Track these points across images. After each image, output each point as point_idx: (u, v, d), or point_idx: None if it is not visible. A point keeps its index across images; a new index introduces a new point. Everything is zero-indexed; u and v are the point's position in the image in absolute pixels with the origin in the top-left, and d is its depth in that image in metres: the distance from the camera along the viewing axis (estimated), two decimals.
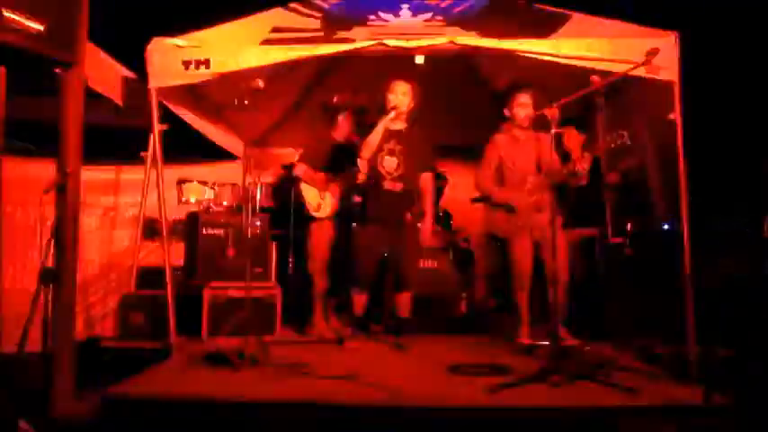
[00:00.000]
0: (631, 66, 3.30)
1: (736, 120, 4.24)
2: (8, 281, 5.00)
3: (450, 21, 3.48)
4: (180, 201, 4.45)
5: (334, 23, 3.49)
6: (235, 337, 3.38)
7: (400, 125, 3.88)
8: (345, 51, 3.48)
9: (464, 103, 5.27)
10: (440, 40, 3.47)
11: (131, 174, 5.45)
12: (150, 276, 4.51)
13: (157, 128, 3.62)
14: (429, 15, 3.50)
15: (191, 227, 4.25)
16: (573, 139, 4.47)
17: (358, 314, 3.97)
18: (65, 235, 2.62)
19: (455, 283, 4.63)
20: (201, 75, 3.54)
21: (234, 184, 4.62)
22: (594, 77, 3.11)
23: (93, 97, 3.38)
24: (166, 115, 3.95)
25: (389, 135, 3.84)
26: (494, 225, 4.07)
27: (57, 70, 2.52)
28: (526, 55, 3.45)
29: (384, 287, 4.27)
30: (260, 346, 3.11)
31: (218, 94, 4.62)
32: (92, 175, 5.34)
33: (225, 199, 4.53)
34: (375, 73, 4.01)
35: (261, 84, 3.21)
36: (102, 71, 3.79)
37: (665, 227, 4.09)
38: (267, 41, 3.49)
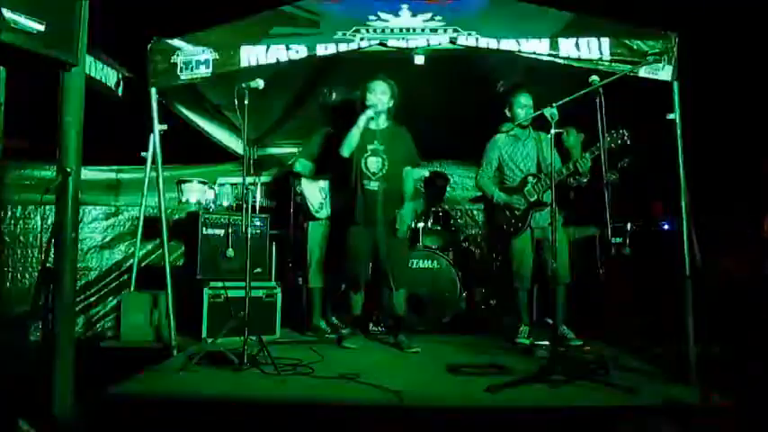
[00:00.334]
0: (631, 66, 3.31)
1: (736, 119, 4.24)
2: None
3: (450, 21, 3.48)
4: (180, 201, 4.45)
5: (334, 23, 3.49)
6: (235, 337, 3.38)
7: (381, 124, 3.87)
8: (345, 51, 3.48)
9: (464, 104, 5.26)
10: (440, 40, 3.47)
11: (131, 174, 5.47)
12: (150, 276, 4.51)
13: (157, 128, 3.62)
14: (429, 15, 3.49)
15: (191, 227, 4.25)
16: (572, 138, 4.50)
17: (356, 314, 3.98)
18: (65, 235, 2.62)
19: (455, 283, 4.63)
20: (201, 75, 3.54)
21: (234, 184, 4.62)
22: (594, 77, 3.11)
23: (93, 97, 3.38)
24: (166, 115, 3.95)
25: (372, 135, 3.83)
26: (494, 225, 4.08)
27: (57, 70, 2.52)
28: (526, 55, 3.45)
29: (379, 286, 4.28)
30: (260, 346, 3.11)
31: (218, 94, 4.62)
32: (92, 175, 5.36)
33: (225, 199, 4.53)
34: (375, 73, 4.01)
35: (261, 84, 3.21)
36: (101, 71, 3.79)
37: (665, 226, 4.09)
38: (267, 41, 3.49)
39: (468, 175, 6.59)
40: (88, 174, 5.23)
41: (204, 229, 4.07)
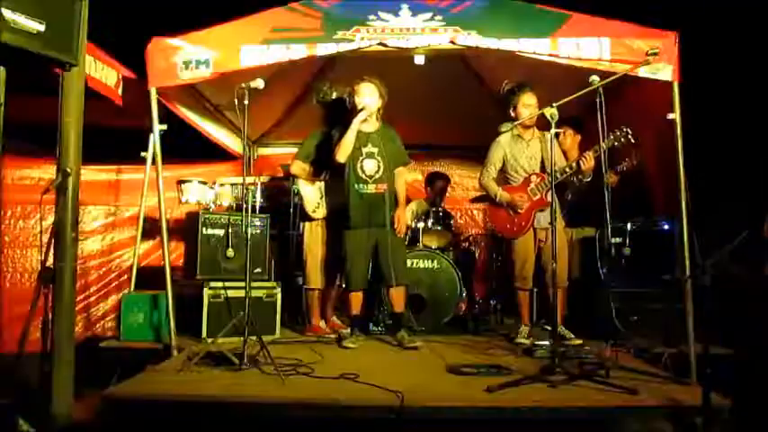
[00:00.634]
0: (631, 66, 3.31)
1: (736, 119, 4.24)
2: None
3: (450, 21, 3.48)
4: (180, 201, 4.45)
5: (334, 23, 3.49)
6: (235, 337, 3.38)
7: (373, 126, 3.87)
8: (345, 51, 3.48)
9: (464, 104, 5.27)
10: (440, 40, 3.47)
11: (131, 174, 5.46)
12: (150, 276, 4.51)
13: (157, 128, 3.62)
14: (429, 15, 3.49)
15: (191, 227, 4.25)
16: (569, 138, 4.50)
17: (356, 314, 3.98)
18: (64, 235, 2.62)
19: (455, 283, 4.63)
20: (201, 75, 3.55)
21: (233, 184, 4.62)
22: (594, 77, 3.11)
23: (93, 97, 3.38)
24: (166, 115, 3.95)
25: (366, 138, 3.84)
26: (497, 224, 4.07)
27: (57, 70, 2.52)
28: (526, 55, 3.45)
29: (378, 286, 4.29)
30: (260, 346, 3.11)
31: (218, 94, 4.63)
32: (92, 175, 5.36)
33: (225, 199, 4.53)
34: (375, 73, 4.01)
35: (261, 84, 3.21)
36: (101, 71, 3.79)
37: (665, 226, 4.09)
38: (267, 41, 3.49)
39: (468, 175, 6.60)
40: (88, 174, 5.23)
41: (204, 229, 4.07)
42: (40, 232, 4.87)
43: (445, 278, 4.64)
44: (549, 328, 4.16)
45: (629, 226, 4.15)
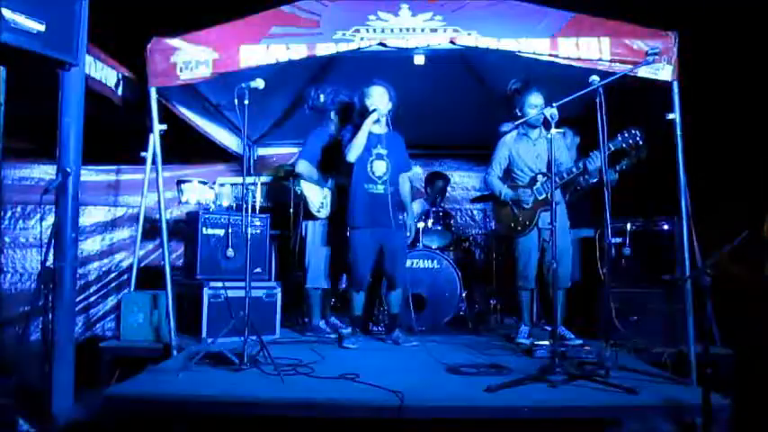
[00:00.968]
0: (631, 66, 3.31)
1: (736, 119, 4.23)
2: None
3: (450, 20, 3.48)
4: (180, 201, 4.45)
5: (334, 23, 3.49)
6: (235, 337, 3.38)
7: (382, 129, 3.90)
8: (345, 51, 3.48)
9: (464, 104, 5.27)
10: (440, 40, 3.47)
11: (131, 174, 5.47)
12: (150, 276, 4.51)
13: (157, 128, 3.62)
14: (429, 15, 3.50)
15: (191, 227, 4.25)
16: (569, 140, 4.50)
17: (357, 314, 3.98)
18: (64, 235, 2.62)
19: (455, 283, 4.63)
20: (201, 75, 3.54)
21: (234, 184, 4.62)
22: (594, 77, 3.10)
23: (93, 97, 3.38)
24: (166, 115, 3.95)
25: (376, 140, 3.86)
26: (501, 223, 4.07)
27: (57, 70, 2.52)
28: (526, 55, 3.45)
29: (379, 286, 4.29)
30: (260, 346, 3.11)
31: (218, 94, 4.62)
32: (92, 175, 5.36)
33: (225, 199, 4.53)
34: (375, 73, 4.01)
35: (261, 84, 3.21)
36: (101, 71, 3.79)
37: (665, 226, 4.09)
38: (267, 41, 3.49)
39: (468, 175, 6.60)
40: (88, 174, 5.23)
41: (204, 229, 4.07)
42: (40, 232, 4.89)
43: (445, 278, 4.64)
44: (549, 328, 4.16)
45: (628, 226, 4.15)
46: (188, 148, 5.34)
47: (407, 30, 3.49)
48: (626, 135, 3.57)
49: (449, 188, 5.83)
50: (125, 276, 5.27)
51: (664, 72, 3.33)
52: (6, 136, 2.36)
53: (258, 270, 4.22)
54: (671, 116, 3.31)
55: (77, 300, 4.67)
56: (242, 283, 3.26)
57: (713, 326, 3.77)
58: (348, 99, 4.33)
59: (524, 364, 3.22)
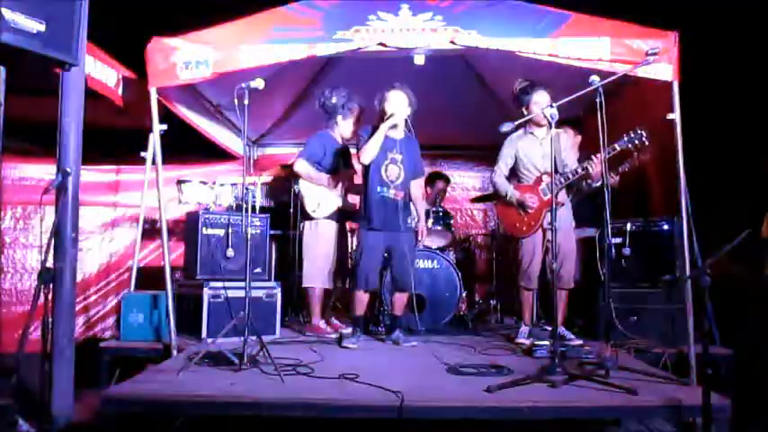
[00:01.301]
0: (631, 66, 3.31)
1: (736, 119, 4.23)
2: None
3: (450, 21, 3.48)
4: (180, 201, 4.45)
5: (334, 23, 3.49)
6: (235, 337, 3.38)
7: (399, 134, 3.91)
8: (345, 51, 3.48)
9: (464, 104, 5.27)
10: (440, 40, 3.47)
11: (131, 174, 5.47)
12: (150, 276, 4.51)
13: (157, 128, 3.62)
14: (429, 15, 3.49)
15: (191, 227, 4.25)
16: (569, 141, 4.49)
17: (360, 314, 3.99)
18: (64, 235, 2.62)
19: (455, 283, 4.63)
20: (201, 75, 3.55)
21: (234, 184, 4.62)
22: (594, 77, 3.10)
23: (93, 97, 3.38)
24: (166, 115, 3.95)
25: (392, 144, 3.88)
26: (505, 222, 4.07)
27: (57, 70, 2.52)
28: (526, 55, 3.45)
29: (382, 288, 4.30)
30: (260, 346, 3.11)
31: (218, 94, 4.63)
32: (92, 175, 5.36)
33: (225, 199, 4.53)
34: (375, 73, 4.01)
35: (261, 84, 3.21)
36: (101, 71, 3.79)
37: (665, 226, 4.09)
38: (267, 41, 3.49)
39: (468, 175, 6.60)
40: (88, 174, 5.23)
41: (204, 229, 4.07)
42: (41, 232, 4.89)
43: (445, 278, 4.64)
44: (549, 328, 4.16)
45: (628, 226, 4.15)
46: (188, 148, 5.34)
47: (407, 30, 3.49)
48: (632, 135, 3.56)
49: (449, 188, 5.83)
50: (125, 276, 5.26)
51: (664, 72, 3.33)
52: (6, 136, 2.36)
53: (258, 270, 4.22)
54: (671, 116, 3.31)
55: (77, 300, 4.67)
56: (242, 283, 3.26)
57: (713, 326, 3.77)
58: (359, 105, 4.35)
59: (524, 364, 3.22)
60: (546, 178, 3.87)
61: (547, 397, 2.61)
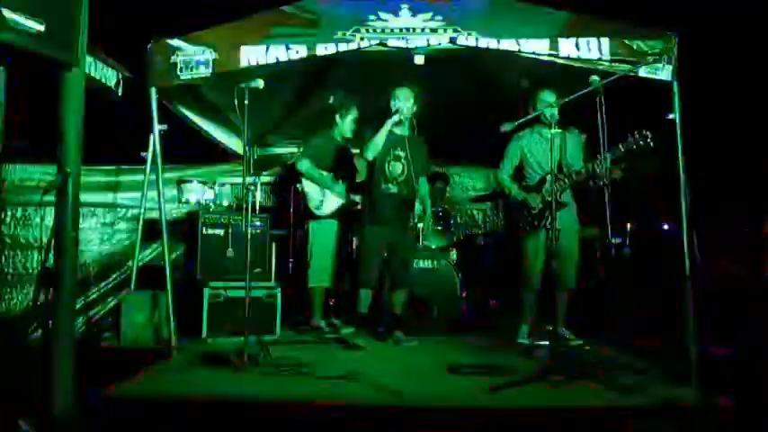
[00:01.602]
0: (631, 66, 3.31)
1: (736, 120, 4.24)
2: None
3: (450, 21, 3.48)
4: (180, 201, 4.45)
5: (334, 23, 3.49)
6: (235, 337, 3.38)
7: (404, 131, 3.91)
8: (345, 51, 3.48)
9: (464, 104, 5.26)
10: (440, 40, 3.47)
11: (131, 174, 5.47)
12: (150, 276, 4.51)
13: (157, 128, 3.62)
14: (429, 15, 3.49)
15: (191, 227, 4.25)
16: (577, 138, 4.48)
17: (362, 313, 3.99)
18: (65, 235, 2.62)
19: (455, 283, 4.63)
20: (201, 75, 3.54)
21: (234, 184, 4.63)
22: (594, 77, 3.10)
23: (93, 97, 3.38)
24: (166, 115, 3.95)
25: (396, 141, 3.88)
26: (509, 221, 4.07)
27: (57, 70, 2.51)
28: (526, 55, 3.45)
29: (382, 286, 4.30)
30: (260, 346, 3.11)
31: (218, 95, 4.62)
32: (92, 175, 5.36)
33: (225, 199, 4.53)
34: (375, 73, 4.01)
35: (261, 84, 3.21)
36: (101, 71, 3.79)
37: (665, 227, 4.09)
38: (267, 41, 3.49)
39: (468, 175, 6.60)
40: (88, 174, 5.24)
41: (204, 229, 4.07)
42: (41, 233, 4.89)
43: (445, 278, 4.64)
44: (550, 327, 4.16)
45: (628, 226, 4.15)
46: (188, 148, 5.34)
47: (407, 30, 3.49)
48: (637, 137, 3.54)
49: (449, 188, 5.83)
50: (125, 276, 5.26)
51: (664, 72, 3.33)
52: (6, 136, 2.36)
53: (258, 270, 4.22)
54: (671, 116, 3.31)
55: (77, 300, 4.67)
56: (242, 283, 3.26)
57: (712, 326, 3.77)
58: (358, 105, 4.36)
59: (524, 364, 3.22)
60: (550, 178, 3.86)
61: (547, 397, 2.61)
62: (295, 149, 5.90)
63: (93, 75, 3.65)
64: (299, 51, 3.47)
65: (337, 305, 4.80)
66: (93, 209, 5.44)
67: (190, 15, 3.87)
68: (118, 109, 4.07)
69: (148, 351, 3.72)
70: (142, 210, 4.50)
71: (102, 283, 5.35)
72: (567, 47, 3.41)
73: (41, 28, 2.23)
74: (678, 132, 3.30)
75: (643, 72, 3.34)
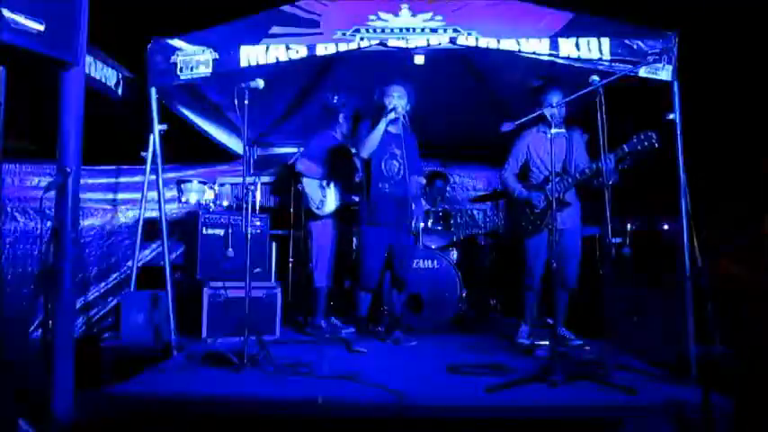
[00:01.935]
0: (631, 66, 3.31)
1: (736, 120, 4.24)
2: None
3: (451, 20, 3.48)
4: (180, 201, 4.45)
5: (334, 23, 3.49)
6: (235, 337, 3.38)
7: (399, 129, 3.90)
8: (345, 51, 3.48)
9: (464, 104, 5.26)
10: (440, 40, 3.47)
11: (131, 174, 5.47)
12: (150, 276, 4.51)
13: (157, 128, 3.62)
14: (429, 15, 3.50)
15: (191, 227, 4.25)
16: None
17: (362, 314, 3.99)
18: (64, 235, 2.62)
19: (455, 283, 4.63)
20: (201, 75, 3.55)
21: (234, 184, 4.63)
22: (594, 77, 3.10)
23: (93, 97, 3.38)
24: (166, 115, 3.95)
25: (391, 139, 3.87)
26: (512, 221, 4.07)
27: (57, 70, 2.51)
28: (526, 55, 3.45)
29: (382, 286, 4.30)
30: (260, 346, 3.11)
31: (218, 94, 4.63)
32: (91, 175, 5.36)
33: (225, 199, 4.53)
34: (375, 73, 4.01)
35: (261, 84, 3.21)
36: (101, 71, 3.79)
37: (665, 227, 4.09)
38: (267, 41, 3.49)
39: (468, 175, 6.60)
40: (87, 174, 5.23)
41: (204, 229, 4.07)
42: (41, 233, 4.89)
43: (445, 278, 4.64)
44: (550, 320, 4.15)
45: (628, 226, 4.15)
46: (188, 148, 5.34)
47: (407, 30, 3.49)
48: (641, 137, 3.53)
49: (448, 188, 5.83)
50: (125, 276, 5.26)
51: (664, 72, 3.33)
52: (6, 136, 2.36)
53: (258, 270, 4.22)
54: (671, 116, 3.31)
55: (77, 300, 4.67)
56: (242, 283, 3.26)
57: (713, 326, 3.77)
58: (358, 105, 4.36)
59: (524, 364, 3.22)
60: (554, 177, 3.85)
61: (547, 397, 2.61)
62: (295, 149, 5.90)
63: (93, 75, 3.65)
64: (298, 51, 3.47)
65: (338, 305, 4.80)
66: (93, 209, 5.43)
67: (190, 15, 3.87)
68: (118, 109, 4.06)
69: (148, 351, 3.72)
70: (142, 210, 4.50)
71: (102, 283, 5.34)
72: (566, 47, 3.41)
73: (41, 28, 2.23)
74: (678, 132, 3.30)
75: (643, 72, 3.34)
